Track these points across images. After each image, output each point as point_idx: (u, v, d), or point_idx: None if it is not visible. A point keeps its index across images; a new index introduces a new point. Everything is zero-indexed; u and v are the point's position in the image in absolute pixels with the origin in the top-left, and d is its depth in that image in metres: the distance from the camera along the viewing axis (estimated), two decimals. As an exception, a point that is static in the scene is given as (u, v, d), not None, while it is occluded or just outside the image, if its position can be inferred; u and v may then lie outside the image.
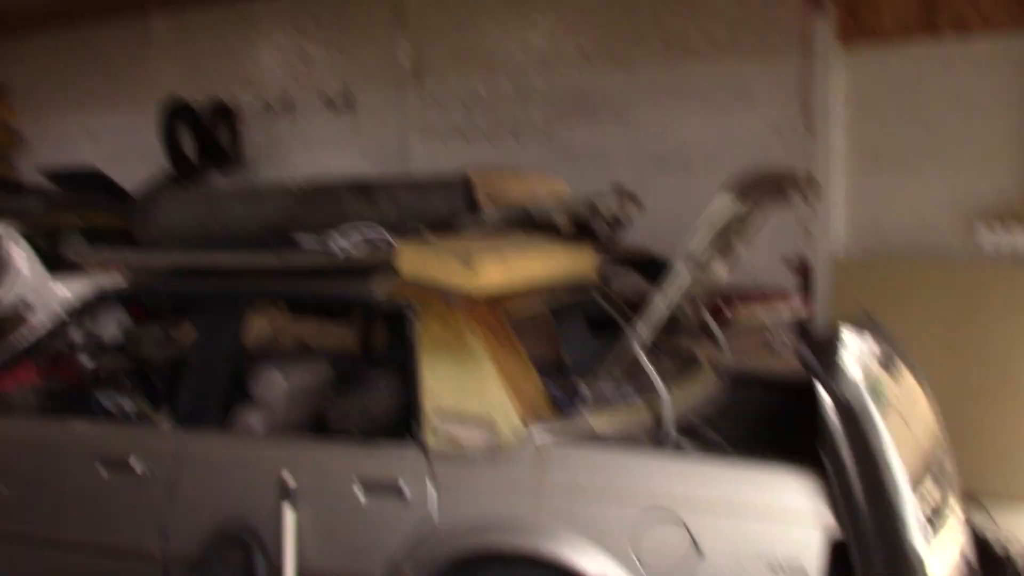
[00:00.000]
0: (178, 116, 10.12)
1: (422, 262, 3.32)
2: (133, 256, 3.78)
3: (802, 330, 6.17)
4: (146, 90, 10.71)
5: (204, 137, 10.02)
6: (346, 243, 3.55)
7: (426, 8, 8.75)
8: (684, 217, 6.87)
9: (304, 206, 3.84)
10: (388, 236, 3.63)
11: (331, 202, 3.84)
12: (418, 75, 8.79)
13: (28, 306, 6.86)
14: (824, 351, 2.77)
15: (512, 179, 5.58)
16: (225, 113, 9.94)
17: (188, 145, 10.15)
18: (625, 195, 5.56)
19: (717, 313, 5.07)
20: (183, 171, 10.14)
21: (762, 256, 6.65)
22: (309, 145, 9.61)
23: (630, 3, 7.61)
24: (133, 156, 10.70)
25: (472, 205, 4.08)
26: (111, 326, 5.79)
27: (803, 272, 6.86)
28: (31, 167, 10.88)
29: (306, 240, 3.66)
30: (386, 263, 3.41)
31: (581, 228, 5.32)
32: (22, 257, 7.73)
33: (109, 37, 11.03)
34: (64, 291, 7.23)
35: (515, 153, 8.22)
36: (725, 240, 3.76)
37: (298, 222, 3.80)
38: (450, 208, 3.91)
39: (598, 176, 7.44)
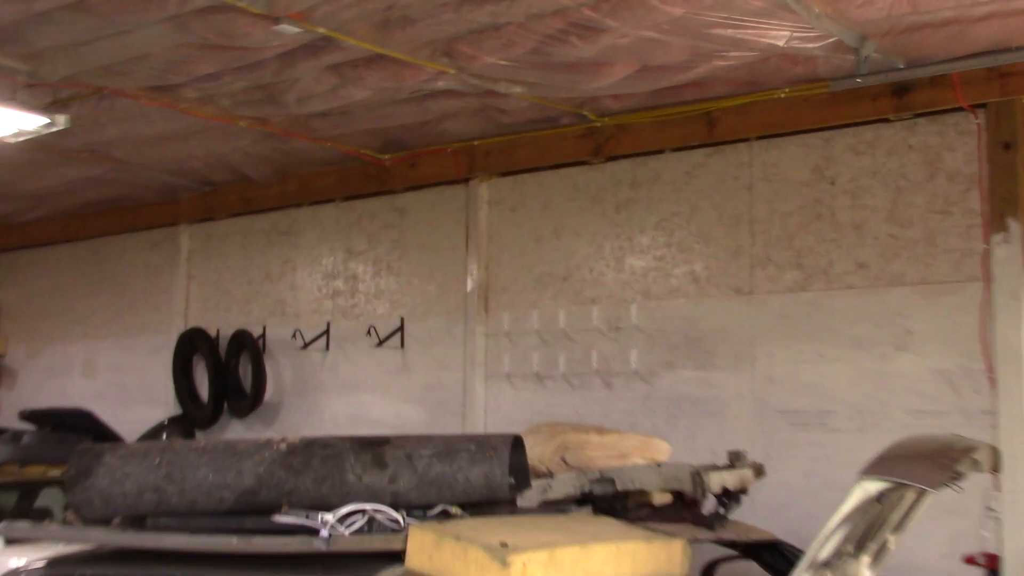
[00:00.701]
0: (194, 349, 10.48)
1: (438, 553, 3.23)
2: (57, 532, 3.64)
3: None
4: (163, 317, 11.18)
5: (222, 375, 10.26)
6: (337, 523, 3.48)
7: (500, 225, 8.93)
8: (822, 489, 6.78)
9: (292, 471, 3.77)
10: (397, 515, 3.59)
11: (328, 466, 3.77)
12: (486, 303, 8.90)
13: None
14: None
15: (595, 438, 5.45)
16: (249, 346, 10.16)
17: (203, 384, 10.42)
18: (743, 463, 5.33)
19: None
20: (194, 415, 10.35)
21: (931, 551, 6.26)
22: (348, 386, 9.67)
23: (757, 222, 7.56)
24: (139, 396, 11.03)
25: (521, 477, 4.06)
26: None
27: (990, 572, 6.30)
28: (14, 407, 11.12)
29: (287, 517, 3.61)
30: (389, 553, 3.37)
31: (683, 504, 5.10)
32: (-28, 520, 7.64)
33: (125, 254, 11.70)
34: (19, 563, 7.04)
35: (604, 403, 8.04)
36: (872, 533, 3.48)
37: (282, 492, 3.74)
38: (489, 480, 3.82)
39: (711, 434, 7.39)
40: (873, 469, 2.90)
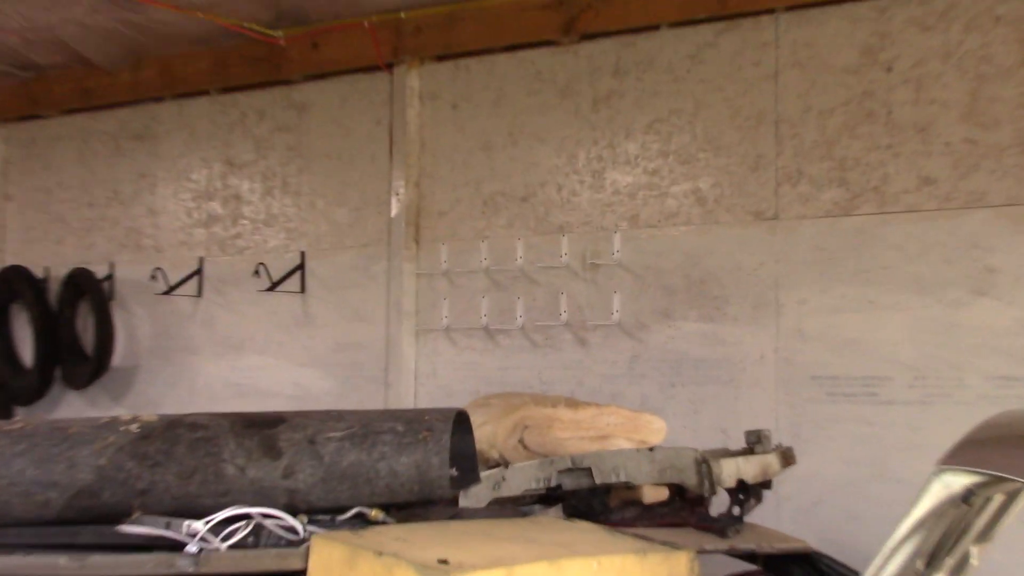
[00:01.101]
0: (12, 295, 10.40)
1: (352, 574, 3.26)
2: None
3: None
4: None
5: (52, 330, 10.20)
6: (210, 533, 3.48)
7: (437, 128, 8.87)
8: (870, 481, 6.82)
9: (147, 462, 3.74)
10: (295, 521, 3.59)
11: (199, 455, 3.77)
12: (416, 232, 8.84)
13: None
14: None
15: (565, 413, 5.42)
16: (90, 291, 10.07)
17: (25, 343, 10.41)
18: (765, 447, 5.32)
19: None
20: (12, 385, 10.34)
21: None
22: (228, 345, 9.66)
23: (785, 123, 7.54)
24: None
25: (467, 467, 4.12)
26: None
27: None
28: None
29: (139, 526, 3.59)
30: (284, 573, 3.40)
31: (685, 502, 5.20)
32: None
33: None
34: None
35: (577, 366, 8.09)
36: (949, 543, 3.46)
37: (133, 491, 3.73)
38: (422, 472, 3.86)
39: (721, 408, 7.43)
40: (959, 457, 2.83)
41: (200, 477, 3.70)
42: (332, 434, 3.77)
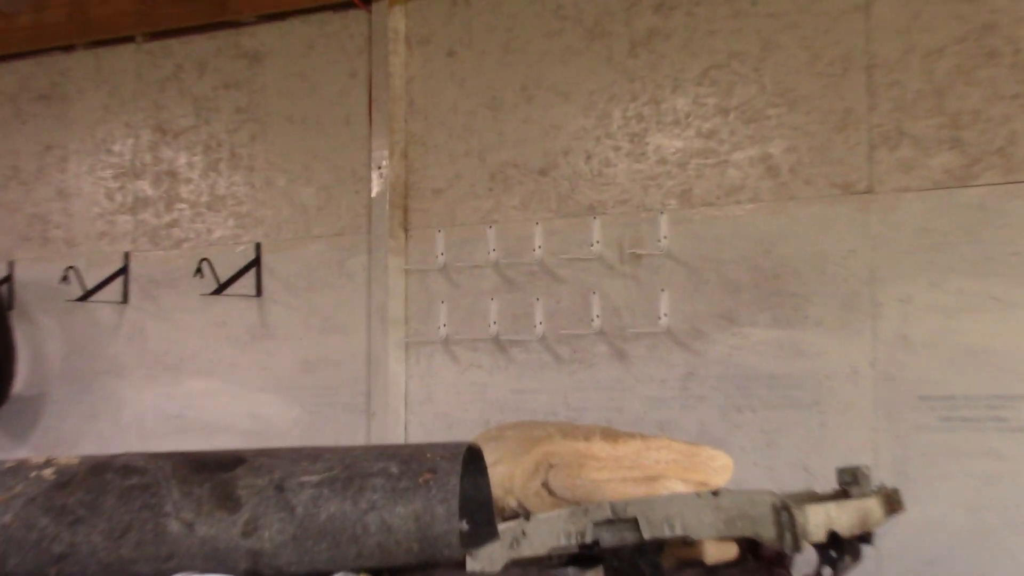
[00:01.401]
0: None
1: None
2: None
3: None
4: None
5: None
6: None
7: (430, 82, 8.93)
8: (1001, 532, 6.87)
9: (65, 517, 3.75)
10: None
11: (133, 507, 3.77)
12: (405, 216, 8.87)
13: None
14: None
15: (602, 448, 5.42)
16: None
17: None
18: (863, 489, 5.32)
19: None
20: None
21: None
22: (164, 365, 9.74)
23: (880, 68, 7.53)
24: None
25: (482, 519, 4.10)
26: None
27: None
28: None
29: None
30: None
31: (760, 561, 5.26)
32: None
33: None
34: None
35: (614, 386, 8.10)
36: None
37: (48, 556, 3.73)
38: (424, 527, 3.81)
39: (803, 439, 7.44)
40: None
41: (136, 536, 3.67)
42: (306, 478, 3.74)
